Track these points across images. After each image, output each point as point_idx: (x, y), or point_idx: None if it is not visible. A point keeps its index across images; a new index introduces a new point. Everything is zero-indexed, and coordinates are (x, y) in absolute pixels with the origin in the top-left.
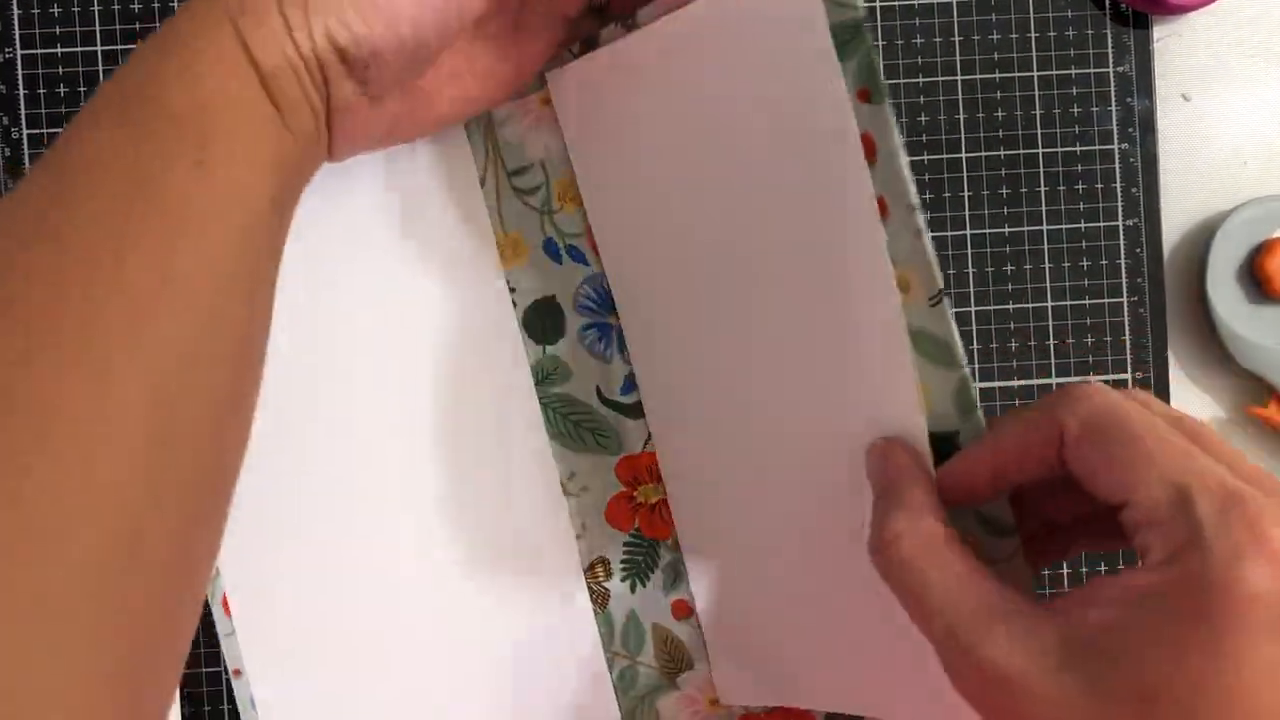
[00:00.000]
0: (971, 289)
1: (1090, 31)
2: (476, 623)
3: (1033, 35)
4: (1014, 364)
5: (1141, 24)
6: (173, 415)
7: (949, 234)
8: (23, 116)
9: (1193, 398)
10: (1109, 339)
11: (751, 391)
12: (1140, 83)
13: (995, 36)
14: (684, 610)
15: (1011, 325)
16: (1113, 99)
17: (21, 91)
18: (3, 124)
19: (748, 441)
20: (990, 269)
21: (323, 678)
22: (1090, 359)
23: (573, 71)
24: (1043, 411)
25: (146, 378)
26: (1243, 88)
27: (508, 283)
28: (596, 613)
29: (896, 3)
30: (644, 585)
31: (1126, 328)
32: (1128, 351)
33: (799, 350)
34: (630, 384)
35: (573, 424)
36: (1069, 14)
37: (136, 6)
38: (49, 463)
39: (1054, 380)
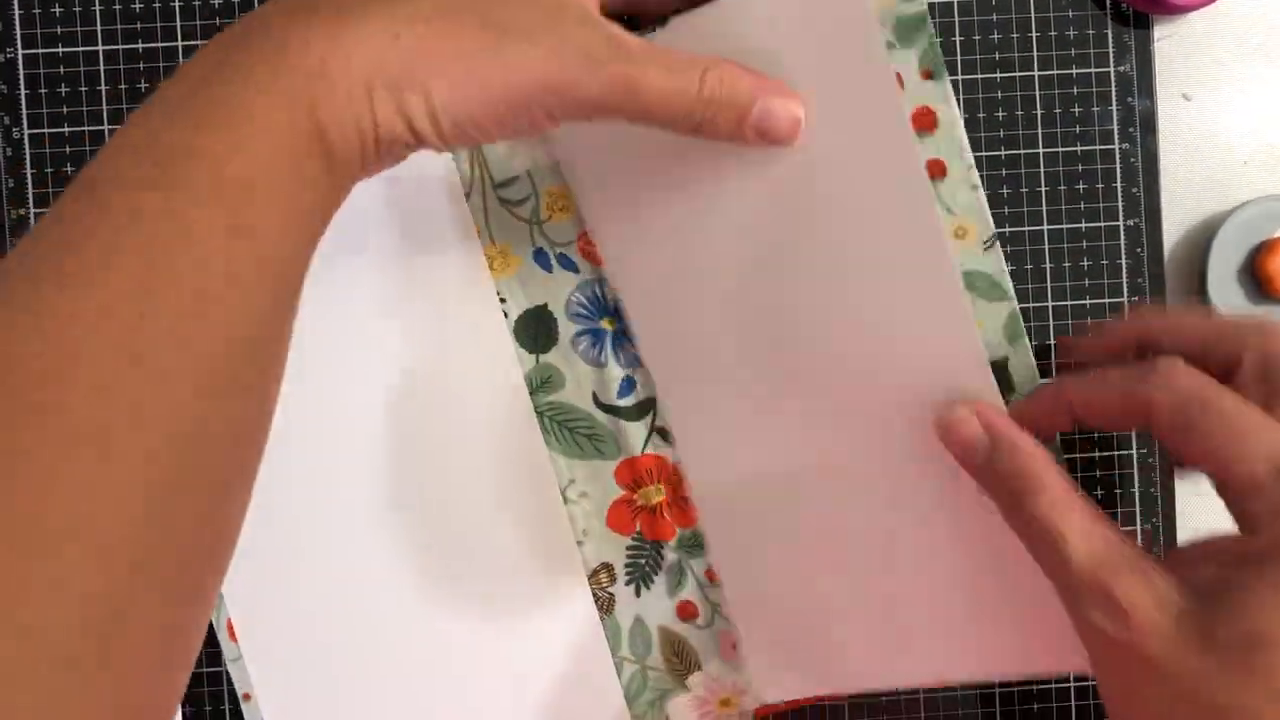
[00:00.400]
0: None
1: (1090, 31)
2: (483, 635)
3: (1033, 35)
4: None
5: (1142, 24)
6: (174, 480)
7: None
8: (23, 117)
9: None
10: None
11: (794, 369)
12: (1141, 82)
13: (995, 36)
14: (689, 611)
15: None
16: (1113, 99)
17: (22, 91)
18: (3, 124)
19: (784, 430)
20: None
21: (332, 697)
22: None
23: None
24: (1129, 384)
25: (154, 443)
26: (1243, 88)
27: (498, 294)
28: (602, 618)
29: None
30: (648, 588)
31: None
32: None
33: (850, 322)
34: (627, 386)
35: (569, 431)
36: (1069, 14)
37: (137, 6)
38: (55, 508)
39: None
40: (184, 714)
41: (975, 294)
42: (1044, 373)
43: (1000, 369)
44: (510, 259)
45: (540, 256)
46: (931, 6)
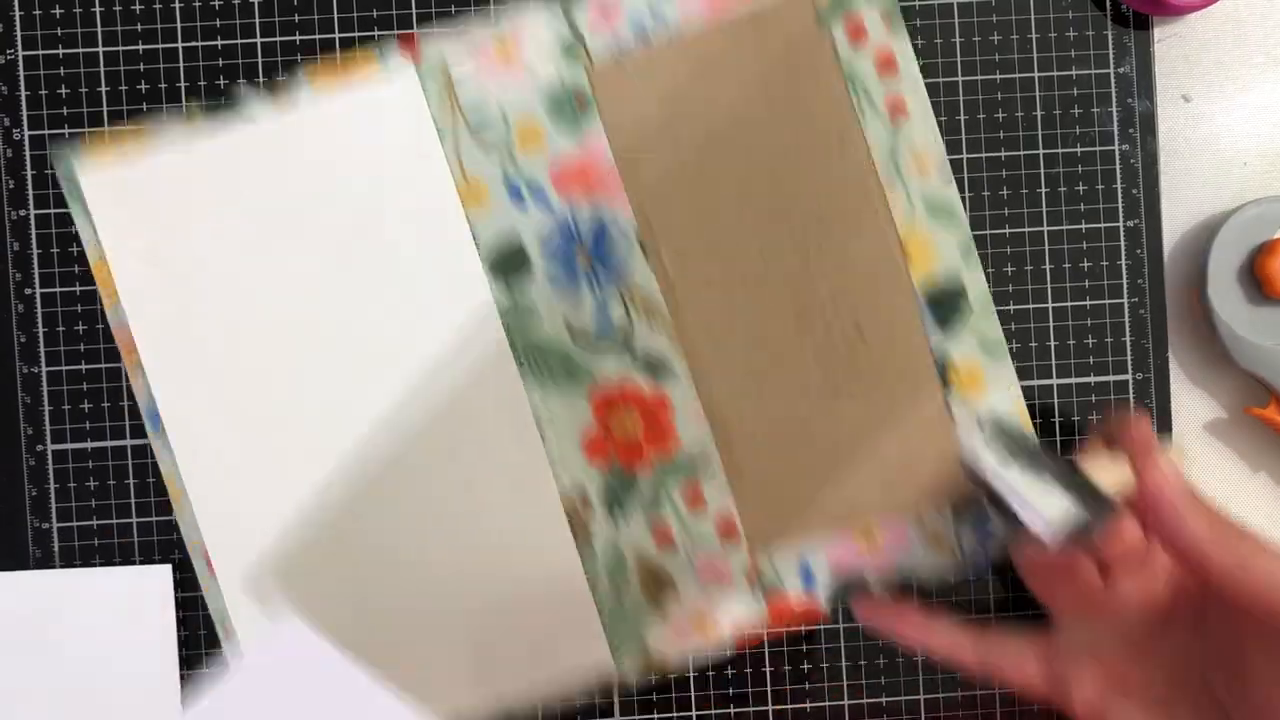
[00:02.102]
0: None
1: (1090, 32)
2: (460, 565)
3: (1033, 36)
4: (1014, 364)
5: (1142, 25)
6: None
7: None
8: (23, 117)
9: (1193, 398)
10: (1109, 340)
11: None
12: (1140, 83)
13: (995, 37)
14: (666, 539)
15: (1012, 326)
16: (1113, 100)
17: (22, 92)
18: (3, 124)
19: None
20: (990, 269)
21: (305, 612)
22: (1090, 360)
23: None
24: None
25: None
26: (1243, 88)
27: (470, 227)
28: (579, 547)
29: (898, 4)
30: (624, 516)
31: (1127, 328)
32: (1128, 352)
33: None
34: (601, 315)
35: (543, 360)
36: (1069, 15)
37: (137, 8)
38: None
39: (1054, 381)
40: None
41: (935, 220)
42: (1039, 374)
43: (958, 293)
44: (482, 193)
45: (512, 189)
46: (931, 7)
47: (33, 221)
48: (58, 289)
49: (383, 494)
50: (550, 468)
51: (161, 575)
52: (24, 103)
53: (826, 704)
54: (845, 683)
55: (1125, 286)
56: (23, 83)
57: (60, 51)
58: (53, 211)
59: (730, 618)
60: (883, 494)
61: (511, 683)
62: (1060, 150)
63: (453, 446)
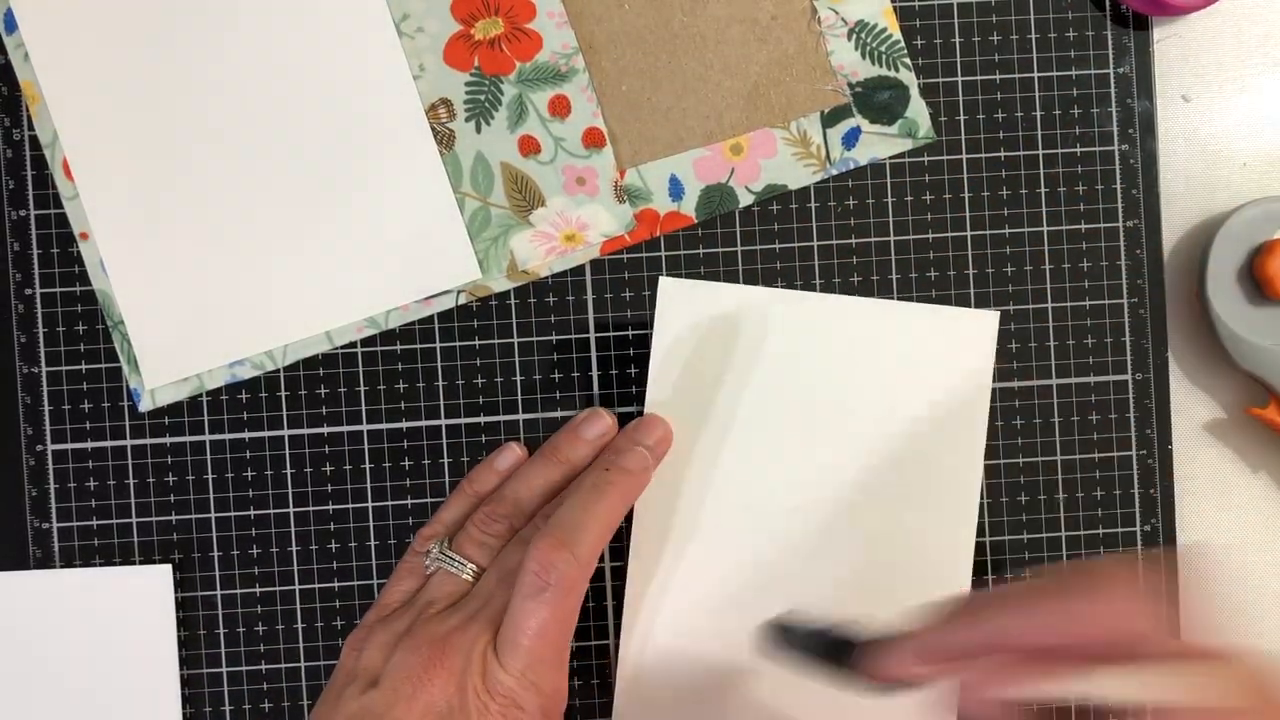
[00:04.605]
0: (972, 290)
1: (1090, 32)
2: (322, 173)
3: (1033, 36)
4: (1014, 365)
5: (1141, 25)
6: None
7: (949, 235)
8: (24, 118)
9: (1193, 398)
10: (1109, 340)
11: None
12: (1140, 84)
13: (995, 37)
14: (531, 146)
15: (1012, 326)
16: (1113, 100)
17: (22, 93)
18: (3, 124)
19: None
20: (990, 269)
21: (166, 240)
22: (1090, 360)
23: None
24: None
25: None
26: (1242, 89)
27: None
28: (442, 154)
29: (898, 3)
30: (488, 124)
31: (1126, 329)
32: (1128, 353)
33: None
34: None
35: None
36: (1069, 15)
37: None
38: None
39: (1054, 381)
40: (184, 715)
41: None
42: (1039, 374)
43: None
44: None
45: None
46: (931, 7)
47: (33, 221)
48: (58, 289)
49: (239, 111)
50: (410, 71)
51: (161, 575)
52: (24, 102)
53: None
54: None
55: (1125, 286)
56: None
57: None
58: (53, 212)
59: (598, 228)
60: (750, 106)
61: (384, 296)
62: (1060, 150)
63: (306, 51)
